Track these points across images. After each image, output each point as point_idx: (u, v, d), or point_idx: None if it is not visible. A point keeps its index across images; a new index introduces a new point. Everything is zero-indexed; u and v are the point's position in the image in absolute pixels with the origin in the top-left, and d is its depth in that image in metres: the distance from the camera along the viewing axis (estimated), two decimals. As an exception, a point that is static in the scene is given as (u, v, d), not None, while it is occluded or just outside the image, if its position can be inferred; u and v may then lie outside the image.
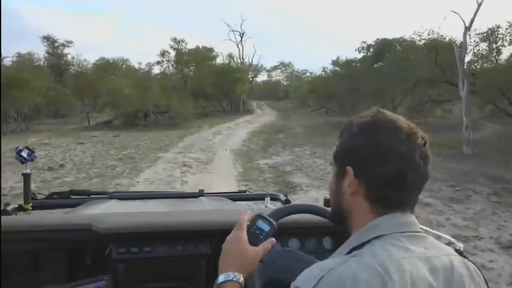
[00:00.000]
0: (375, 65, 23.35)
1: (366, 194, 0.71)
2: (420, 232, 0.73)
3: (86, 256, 1.28)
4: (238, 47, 39.96)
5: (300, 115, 31.09)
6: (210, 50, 31.11)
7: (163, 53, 30.60)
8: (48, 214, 1.66)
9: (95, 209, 1.59)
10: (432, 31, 16.43)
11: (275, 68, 40.58)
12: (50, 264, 1.31)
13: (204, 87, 28.81)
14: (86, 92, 21.97)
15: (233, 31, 37.54)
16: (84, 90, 21.84)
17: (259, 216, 0.86)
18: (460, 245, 0.88)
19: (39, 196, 1.80)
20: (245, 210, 1.35)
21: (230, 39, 44.56)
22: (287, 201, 1.81)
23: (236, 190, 2.13)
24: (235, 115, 31.31)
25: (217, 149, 12.03)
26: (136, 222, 1.33)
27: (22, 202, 1.69)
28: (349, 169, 0.71)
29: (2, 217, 1.36)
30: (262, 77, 39.38)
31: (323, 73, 31.96)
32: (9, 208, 1.62)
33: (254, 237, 0.86)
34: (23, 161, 1.67)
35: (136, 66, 33.46)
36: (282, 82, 48.39)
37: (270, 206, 0.97)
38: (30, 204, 1.71)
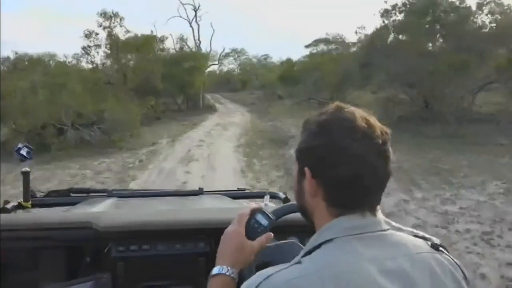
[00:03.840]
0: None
1: (324, 196, 0.74)
2: (379, 231, 0.73)
3: (85, 254, 1.32)
4: (191, 26, 32.89)
5: (280, 110, 25.88)
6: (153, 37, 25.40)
7: (88, 35, 22.89)
8: (48, 212, 1.72)
9: (94, 207, 1.64)
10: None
11: (226, 55, 38.41)
12: (49, 262, 1.35)
13: (152, 80, 23.01)
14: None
15: (183, 4, 32.41)
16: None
17: (259, 211, 0.90)
18: (437, 240, 0.82)
19: (38, 194, 1.84)
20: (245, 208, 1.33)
21: (181, 16, 36.66)
22: (287, 200, 1.83)
23: (235, 188, 2.18)
24: (196, 115, 25.77)
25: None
26: (135, 220, 1.40)
27: (22, 200, 1.72)
28: (307, 170, 0.75)
29: (2, 215, 1.41)
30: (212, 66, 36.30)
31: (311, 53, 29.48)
32: (9, 206, 1.66)
33: (252, 230, 0.90)
34: (22, 159, 1.69)
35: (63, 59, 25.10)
36: (235, 71, 46.48)
37: (269, 204, 1.13)
38: (30, 202, 1.73)
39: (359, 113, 0.74)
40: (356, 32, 18.69)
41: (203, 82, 25.05)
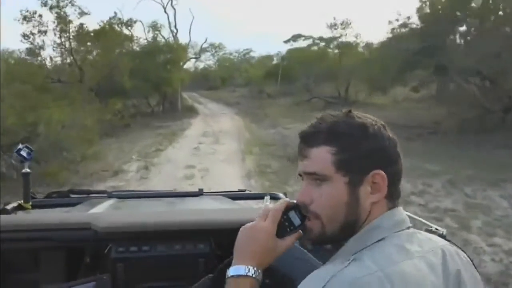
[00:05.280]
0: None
1: (387, 193, 0.80)
2: (411, 227, 0.81)
3: (85, 255, 1.40)
4: (166, 12, 27.50)
5: (277, 111, 21.31)
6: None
7: (28, 17, 16.34)
8: (48, 213, 1.77)
9: (94, 208, 1.71)
10: None
11: (203, 50, 34.63)
12: (49, 263, 1.41)
13: (117, 77, 18.17)
14: None
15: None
16: None
17: (294, 207, 0.85)
18: (443, 230, 0.91)
19: (38, 195, 1.92)
20: (245, 209, 1.56)
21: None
22: None
23: (236, 189, 2.27)
24: (174, 119, 20.47)
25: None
26: (135, 221, 1.46)
27: (22, 201, 1.79)
28: (379, 172, 0.78)
29: (2, 216, 1.48)
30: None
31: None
32: (9, 207, 1.73)
33: (282, 228, 0.85)
34: (22, 160, 1.74)
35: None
36: (213, 67, 43.06)
37: (270, 205, 1.08)
38: (30, 203, 1.80)
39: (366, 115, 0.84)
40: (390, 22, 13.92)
41: (182, 78, 20.01)
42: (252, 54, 43.79)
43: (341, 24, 22.70)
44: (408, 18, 14.94)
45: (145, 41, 22.94)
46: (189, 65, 34.65)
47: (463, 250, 0.84)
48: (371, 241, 0.75)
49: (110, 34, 18.55)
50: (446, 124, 11.97)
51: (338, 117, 0.81)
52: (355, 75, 19.83)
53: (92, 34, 17.94)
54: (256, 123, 18.29)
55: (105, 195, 1.99)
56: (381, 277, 0.68)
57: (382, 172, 0.78)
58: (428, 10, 14.32)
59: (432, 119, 14.09)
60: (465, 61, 11.35)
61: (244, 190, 2.28)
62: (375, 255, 0.73)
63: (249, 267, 0.80)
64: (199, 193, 2.03)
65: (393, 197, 0.81)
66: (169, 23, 25.86)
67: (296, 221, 0.85)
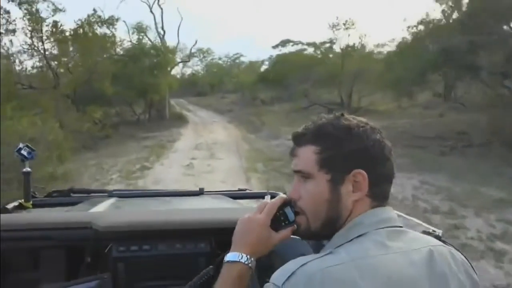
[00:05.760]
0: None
1: (369, 192, 0.84)
2: (399, 227, 0.85)
3: (85, 254, 1.43)
4: (152, 11, 25.40)
5: (274, 119, 19.48)
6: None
7: None
8: (48, 212, 1.80)
9: (95, 207, 1.74)
10: None
11: (191, 55, 32.99)
12: (50, 262, 1.44)
13: (97, 83, 16.62)
14: None
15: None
16: None
17: (290, 203, 0.93)
18: (439, 231, 0.95)
19: (39, 195, 1.96)
20: (245, 208, 1.58)
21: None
22: None
23: (236, 188, 2.36)
24: (162, 129, 18.86)
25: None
26: (135, 220, 1.49)
27: (22, 200, 1.82)
28: (361, 171, 0.84)
29: (2, 215, 1.51)
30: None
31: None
32: (9, 206, 1.77)
33: (277, 221, 0.94)
34: (23, 159, 1.76)
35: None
36: (201, 73, 42.50)
37: (267, 200, 1.14)
38: (30, 202, 1.83)
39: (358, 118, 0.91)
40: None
41: (170, 84, 18.20)
42: (242, 59, 44.06)
43: (344, 24, 21.01)
44: (427, 15, 13.46)
45: (129, 43, 21.94)
46: (177, 70, 33.07)
47: (461, 252, 0.87)
48: (352, 236, 0.81)
49: (89, 34, 16.98)
50: (483, 135, 10.28)
51: (328, 119, 0.89)
52: (361, 80, 18.24)
53: (68, 33, 16.19)
54: (254, 133, 16.82)
55: (106, 194, 2.04)
56: (350, 266, 0.73)
57: (363, 172, 0.84)
58: (464, 5, 12.68)
59: (454, 128, 12.48)
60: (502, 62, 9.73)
61: (245, 189, 2.35)
62: (352, 248, 0.78)
63: (242, 254, 0.88)
64: (200, 192, 2.09)
65: (377, 197, 0.86)
66: (156, 24, 24.68)
67: (291, 216, 0.93)
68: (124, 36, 23.21)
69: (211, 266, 1.10)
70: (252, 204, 2.00)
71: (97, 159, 11.89)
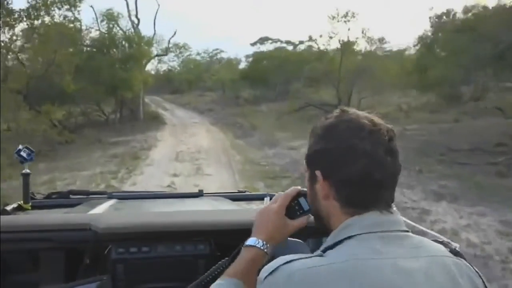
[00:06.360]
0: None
1: (337, 197, 0.86)
2: (398, 231, 0.83)
3: (85, 256, 1.43)
4: None
5: (266, 121, 17.27)
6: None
7: None
8: (47, 214, 1.83)
9: (94, 209, 1.78)
10: None
11: (168, 50, 28.36)
12: (49, 264, 1.44)
13: (56, 77, 14.18)
14: None
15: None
16: None
17: (304, 194, 1.01)
18: (456, 245, 0.90)
19: (38, 196, 2.00)
20: (245, 210, 1.63)
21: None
22: None
23: (236, 190, 2.48)
24: (135, 132, 16.18)
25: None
26: (135, 222, 1.52)
27: (21, 202, 1.84)
28: (318, 173, 0.87)
29: (1, 216, 1.54)
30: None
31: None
32: (8, 208, 1.79)
33: (292, 211, 1.01)
34: (22, 160, 1.77)
35: None
36: (177, 69, 38.97)
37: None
38: (29, 204, 1.86)
39: (363, 114, 0.89)
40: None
41: (145, 80, 15.76)
42: (222, 55, 42.44)
43: (345, 16, 18.64)
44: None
45: (97, 32, 18.95)
46: (151, 66, 30.52)
47: (472, 265, 0.85)
48: (341, 237, 0.83)
49: (45, 17, 13.96)
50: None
51: (327, 117, 0.92)
52: (364, 79, 16.20)
53: (18, 16, 12.98)
54: (243, 138, 15.02)
55: (105, 196, 2.10)
56: (331, 269, 0.75)
57: (319, 173, 0.87)
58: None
59: (487, 138, 10.45)
60: None
61: (244, 191, 2.42)
62: (340, 251, 0.80)
63: (259, 240, 0.96)
64: (199, 194, 2.13)
65: (349, 202, 0.85)
66: (129, 11, 22.19)
67: (305, 206, 1.00)
68: (91, 25, 20.30)
69: (226, 258, 1.13)
70: (252, 206, 2.04)
71: (51, 173, 10.14)
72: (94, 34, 19.24)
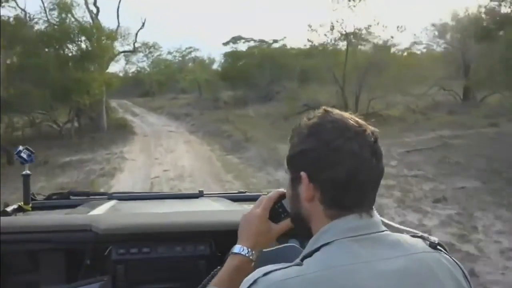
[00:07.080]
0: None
1: (322, 198, 0.88)
2: (376, 233, 0.86)
3: (85, 257, 1.52)
4: None
5: (258, 128, 14.45)
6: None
7: None
8: (48, 215, 1.92)
9: (95, 210, 1.87)
10: None
11: (134, 46, 24.27)
12: (49, 264, 1.51)
13: None
14: None
15: None
16: None
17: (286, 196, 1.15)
18: (435, 239, 0.90)
19: (38, 197, 2.08)
20: (245, 210, 1.53)
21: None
22: None
23: (236, 191, 2.63)
24: (96, 147, 13.02)
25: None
26: (135, 223, 1.60)
27: (22, 203, 1.92)
28: (303, 174, 0.89)
29: (2, 218, 1.63)
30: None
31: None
32: (9, 209, 1.88)
33: (276, 214, 1.04)
34: (22, 162, 1.82)
35: None
36: (146, 70, 35.19)
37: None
38: (30, 205, 1.94)
39: (347, 114, 0.92)
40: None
41: (108, 82, 12.56)
42: (197, 53, 39.89)
43: (349, 1, 15.90)
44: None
45: (46, 24, 15.22)
46: (118, 67, 26.85)
47: (453, 258, 0.87)
48: (319, 244, 0.85)
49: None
50: None
51: (310, 117, 0.95)
52: (377, 76, 13.58)
53: None
54: (236, 153, 12.46)
55: (106, 196, 2.19)
56: (307, 278, 0.78)
57: (304, 174, 0.89)
58: None
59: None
60: None
61: (244, 192, 2.49)
62: (318, 258, 0.83)
63: (244, 247, 0.99)
64: (200, 195, 2.20)
65: (333, 204, 0.87)
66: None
67: (289, 208, 1.11)
68: (37, 14, 16.82)
69: (218, 267, 1.12)
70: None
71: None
72: (42, 26, 16.21)
